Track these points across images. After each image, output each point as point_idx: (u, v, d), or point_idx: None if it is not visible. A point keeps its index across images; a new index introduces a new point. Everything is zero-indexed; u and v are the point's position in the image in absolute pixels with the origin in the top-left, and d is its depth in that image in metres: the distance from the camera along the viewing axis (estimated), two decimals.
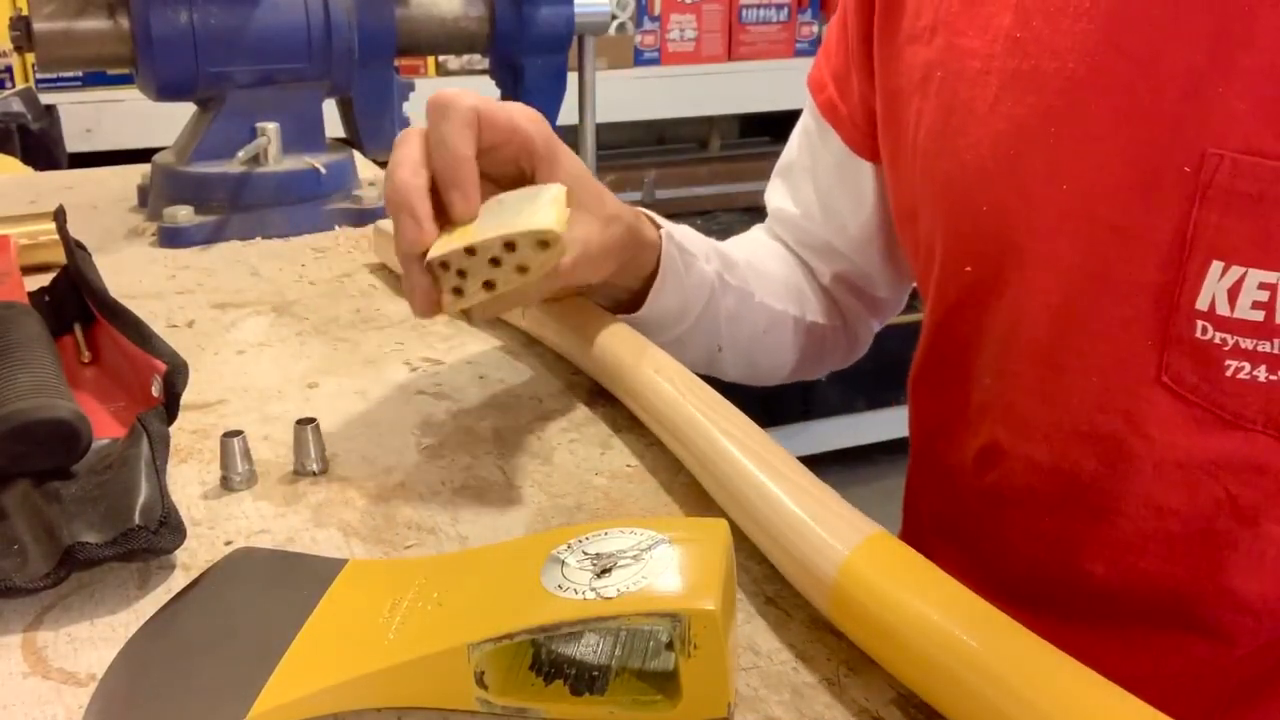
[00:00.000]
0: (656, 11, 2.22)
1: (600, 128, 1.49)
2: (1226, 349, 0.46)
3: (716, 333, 0.67)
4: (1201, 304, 0.46)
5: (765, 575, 0.43)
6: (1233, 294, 0.45)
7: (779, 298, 0.71)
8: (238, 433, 0.49)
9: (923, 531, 0.67)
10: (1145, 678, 0.52)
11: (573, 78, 1.18)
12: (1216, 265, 0.46)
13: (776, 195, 0.76)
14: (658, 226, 0.61)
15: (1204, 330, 0.47)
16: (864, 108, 0.66)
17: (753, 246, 0.76)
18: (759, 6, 2.29)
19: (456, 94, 0.49)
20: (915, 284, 0.66)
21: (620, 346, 0.56)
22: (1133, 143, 0.47)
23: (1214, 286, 0.46)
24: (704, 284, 0.64)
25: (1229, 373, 0.47)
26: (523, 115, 0.52)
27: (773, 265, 0.73)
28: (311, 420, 0.50)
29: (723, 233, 0.75)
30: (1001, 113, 0.51)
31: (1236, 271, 0.45)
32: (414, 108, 0.98)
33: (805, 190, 0.73)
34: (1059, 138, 0.49)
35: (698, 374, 0.70)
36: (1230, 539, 0.50)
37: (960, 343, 0.58)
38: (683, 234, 0.64)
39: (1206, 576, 0.51)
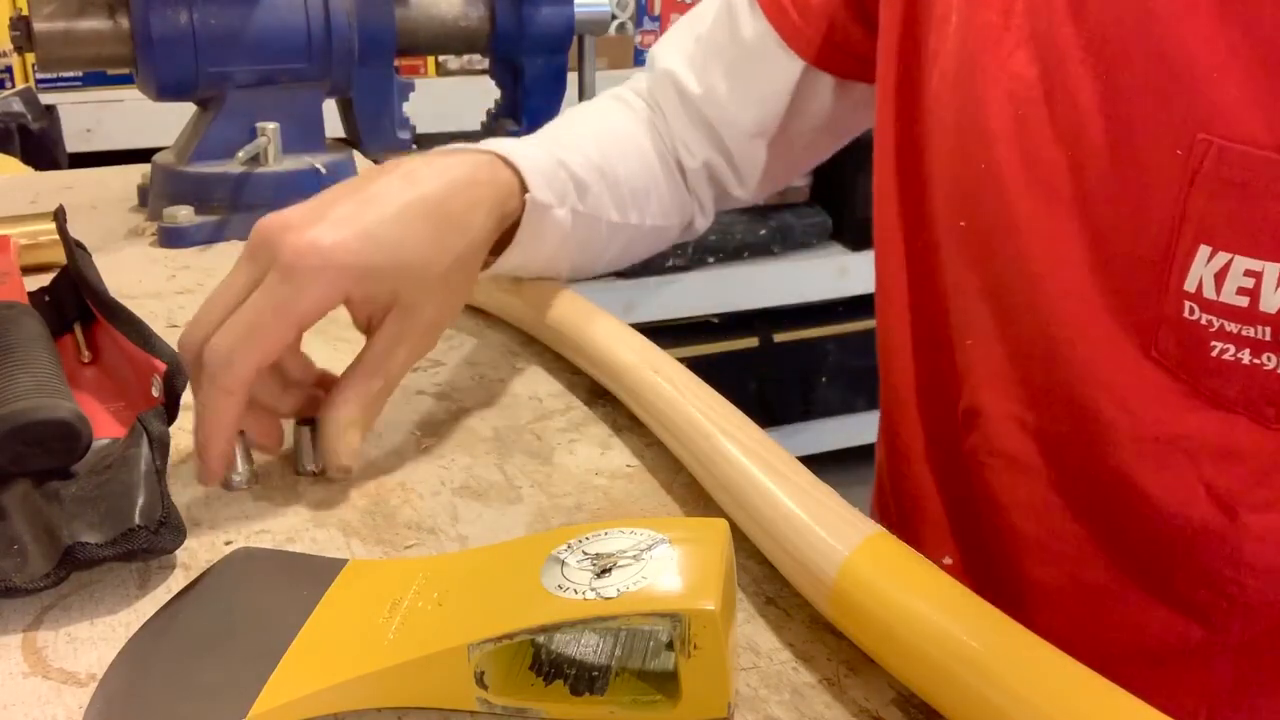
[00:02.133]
0: (656, 11, 2.22)
1: None
2: (1212, 330, 0.46)
3: (559, 261, 0.65)
4: (1189, 285, 0.46)
5: (765, 575, 0.43)
6: (1219, 278, 0.46)
7: (621, 208, 0.68)
8: (310, 421, 0.49)
9: (890, 513, 0.66)
10: (1126, 655, 0.52)
11: (573, 78, 1.18)
12: (1204, 249, 0.46)
13: (675, 57, 0.72)
14: (521, 180, 0.58)
15: (1191, 311, 0.47)
16: (823, 9, 0.65)
17: (606, 137, 0.71)
18: None
19: (229, 359, 0.46)
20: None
21: (620, 346, 0.56)
22: (1130, 120, 0.47)
23: (1201, 269, 0.46)
24: (556, 233, 0.62)
25: (1214, 353, 0.47)
26: (301, 312, 0.47)
27: (621, 167, 0.69)
28: (311, 420, 0.50)
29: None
30: (1011, 72, 0.51)
31: (1223, 257, 0.45)
32: (414, 108, 0.98)
33: (712, 70, 0.70)
34: (1062, 104, 0.49)
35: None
36: (1205, 525, 0.50)
37: (943, 301, 0.58)
38: (545, 180, 0.59)
39: (1183, 556, 0.51)
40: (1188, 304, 0.47)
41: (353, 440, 0.49)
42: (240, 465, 0.49)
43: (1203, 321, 0.47)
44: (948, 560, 0.37)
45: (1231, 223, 0.45)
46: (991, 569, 0.58)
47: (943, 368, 0.60)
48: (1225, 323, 0.46)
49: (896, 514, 0.66)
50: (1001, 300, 0.54)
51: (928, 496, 0.63)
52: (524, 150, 0.59)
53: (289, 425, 0.51)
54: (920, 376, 0.62)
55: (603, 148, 0.69)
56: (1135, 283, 0.48)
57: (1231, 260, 0.45)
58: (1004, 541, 0.57)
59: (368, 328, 0.51)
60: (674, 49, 0.73)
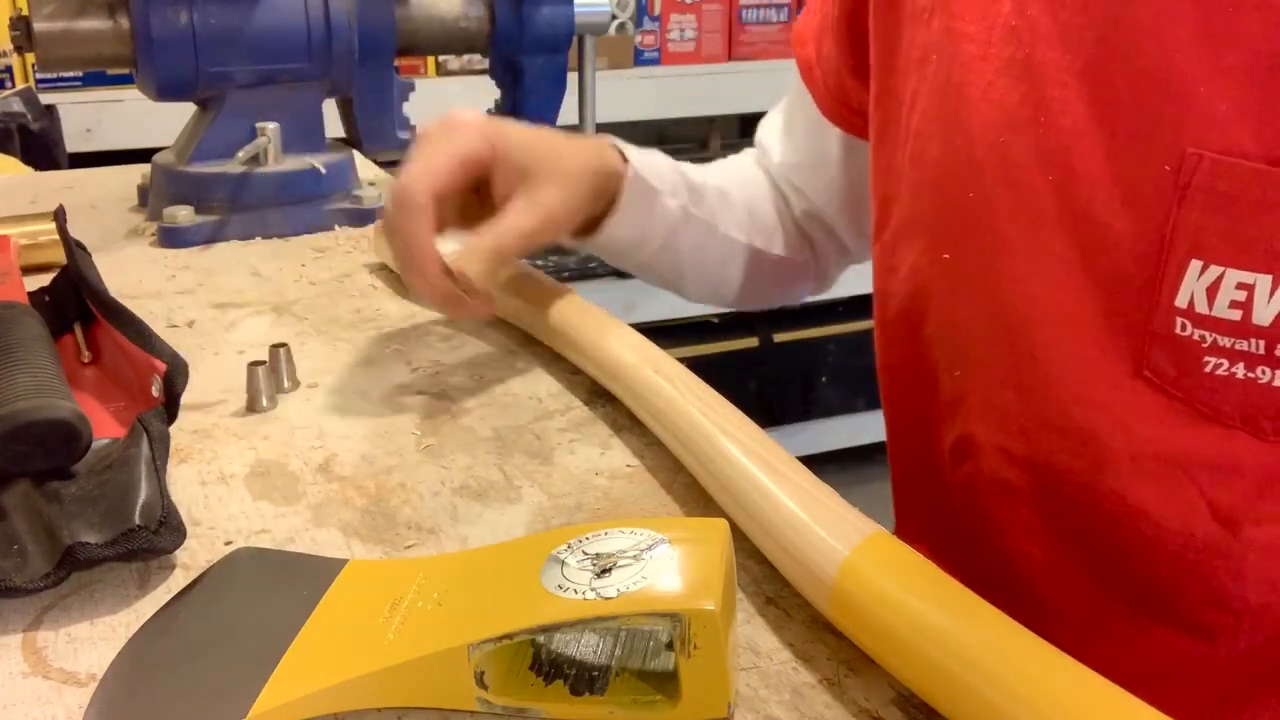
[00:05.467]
0: (656, 11, 2.22)
1: (600, 128, 1.49)
2: (1205, 345, 0.46)
3: (679, 263, 0.72)
4: (1181, 301, 0.46)
5: (765, 575, 0.43)
6: (1211, 292, 0.45)
7: (743, 229, 0.75)
8: (261, 363, 0.56)
9: (907, 534, 0.67)
10: (1130, 675, 0.52)
11: (573, 78, 1.18)
12: (1195, 264, 0.45)
13: (769, 130, 0.79)
14: (626, 159, 0.65)
15: (1183, 327, 0.47)
16: (836, 77, 0.68)
17: (731, 172, 0.78)
18: (759, 6, 2.29)
19: (411, 184, 0.55)
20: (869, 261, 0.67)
21: (620, 346, 0.56)
22: (1116, 138, 0.47)
23: (1193, 284, 0.46)
24: (665, 219, 0.68)
25: (1208, 369, 0.47)
26: (460, 151, 0.57)
27: (743, 195, 0.76)
28: (262, 363, 0.56)
29: None
30: (993, 100, 0.51)
31: (1215, 271, 0.45)
32: (414, 108, 0.98)
33: (787, 138, 0.77)
34: (1047, 128, 0.49)
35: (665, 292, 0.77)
36: (1209, 542, 0.49)
37: (931, 331, 0.58)
38: (651, 168, 0.66)
39: (1187, 576, 0.51)
40: (1179, 320, 0.47)
41: (478, 266, 0.55)
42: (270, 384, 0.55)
43: (1195, 337, 0.46)
44: None
45: (1223, 236, 0.45)
46: (993, 591, 0.58)
47: (928, 400, 0.60)
48: (1218, 337, 0.46)
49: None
50: (991, 328, 0.54)
51: (922, 519, 0.64)
52: (632, 147, 0.67)
53: (290, 426, 0.51)
54: (904, 409, 0.62)
55: (725, 173, 0.77)
56: (1125, 301, 0.48)
57: (1223, 274, 0.45)
58: (1004, 565, 0.57)
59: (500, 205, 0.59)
60: (770, 120, 0.80)
